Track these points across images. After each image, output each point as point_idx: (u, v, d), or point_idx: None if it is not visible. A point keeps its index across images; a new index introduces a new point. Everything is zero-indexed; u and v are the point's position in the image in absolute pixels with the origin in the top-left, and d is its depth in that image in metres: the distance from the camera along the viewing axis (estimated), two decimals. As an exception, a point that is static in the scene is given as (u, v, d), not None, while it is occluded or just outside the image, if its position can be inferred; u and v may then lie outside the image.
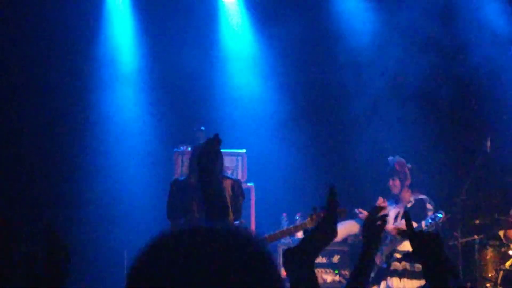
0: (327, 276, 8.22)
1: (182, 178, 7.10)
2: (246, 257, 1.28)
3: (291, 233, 6.75)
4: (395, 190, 7.94)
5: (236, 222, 6.61)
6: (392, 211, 7.98)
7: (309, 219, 6.45)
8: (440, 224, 7.53)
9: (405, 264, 7.71)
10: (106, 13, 9.64)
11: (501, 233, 8.05)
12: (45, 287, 3.10)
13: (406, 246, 7.74)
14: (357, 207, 8.07)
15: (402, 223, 7.78)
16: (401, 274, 7.66)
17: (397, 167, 7.90)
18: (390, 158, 8.01)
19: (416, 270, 7.70)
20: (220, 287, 1.24)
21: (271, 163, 9.28)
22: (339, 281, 8.21)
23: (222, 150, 8.58)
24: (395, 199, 8.00)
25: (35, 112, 9.15)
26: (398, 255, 7.76)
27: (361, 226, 8.24)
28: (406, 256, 7.74)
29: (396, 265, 7.71)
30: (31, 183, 9.06)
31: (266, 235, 6.55)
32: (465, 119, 9.09)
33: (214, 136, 2.56)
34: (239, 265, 1.26)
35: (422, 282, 7.66)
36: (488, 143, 8.02)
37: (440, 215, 7.47)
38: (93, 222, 9.04)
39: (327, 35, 9.43)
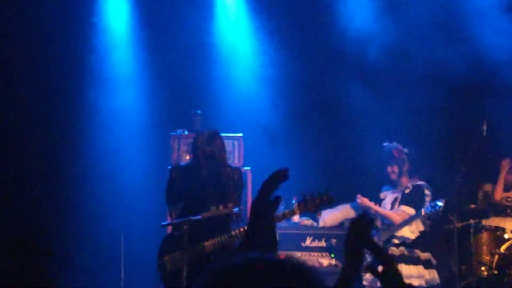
0: (323, 260, 8.25)
1: (183, 164, 7.11)
2: None
3: (279, 220, 6.71)
4: (393, 176, 7.92)
5: (235, 209, 6.61)
6: (389, 197, 7.99)
7: (296, 205, 6.45)
8: (440, 213, 7.55)
9: (403, 250, 7.73)
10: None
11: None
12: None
13: (403, 231, 7.76)
14: (354, 192, 8.09)
15: (399, 209, 7.79)
16: (399, 260, 7.68)
17: (395, 153, 7.88)
18: (386, 144, 7.99)
19: (414, 256, 7.72)
20: None
21: (267, 146, 9.28)
22: (336, 265, 8.24)
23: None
24: (393, 185, 8.00)
25: (32, 104, 9.14)
26: (396, 241, 7.77)
27: (356, 211, 8.30)
28: (403, 242, 7.77)
29: (394, 251, 7.73)
30: (28, 170, 9.07)
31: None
32: (461, 103, 9.10)
33: (282, 170, 2.38)
34: None
35: (419, 268, 7.69)
36: (485, 127, 8.02)
37: (440, 204, 7.48)
38: (90, 206, 9.05)
39: (326, 19, 9.42)
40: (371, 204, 7.90)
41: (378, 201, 8.04)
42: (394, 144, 7.95)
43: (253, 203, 2.30)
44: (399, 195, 7.89)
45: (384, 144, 7.99)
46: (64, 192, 9.07)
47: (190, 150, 7.07)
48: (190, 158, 8.45)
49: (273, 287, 1.28)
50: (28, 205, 8.89)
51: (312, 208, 6.40)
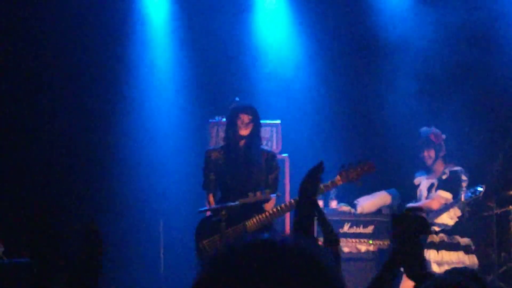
0: (361, 246, 8.26)
1: (217, 147, 7.12)
2: (312, 277, 1.28)
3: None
4: (429, 162, 7.88)
5: (273, 195, 6.67)
6: (424, 183, 7.97)
7: (338, 176, 6.38)
8: (480, 198, 7.51)
9: (443, 236, 7.71)
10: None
11: None
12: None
13: (443, 218, 7.74)
14: (391, 179, 8.08)
15: (436, 194, 7.77)
16: (439, 247, 7.66)
17: (433, 138, 7.84)
18: (424, 128, 7.95)
19: (454, 242, 7.69)
20: None
21: (306, 133, 9.29)
22: (373, 252, 8.25)
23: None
24: (427, 171, 7.97)
25: (67, 85, 9.24)
26: (436, 228, 7.75)
27: (393, 197, 8.29)
28: (443, 229, 7.74)
29: (433, 238, 7.71)
30: (70, 158, 9.18)
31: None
32: (502, 88, 9.01)
33: (319, 164, 2.43)
34: (304, 284, 1.27)
35: (460, 254, 7.66)
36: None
37: (480, 189, 7.44)
38: (128, 192, 9.14)
39: (365, 14, 9.42)
40: (418, 206, 7.87)
41: (413, 187, 8.02)
42: (432, 128, 7.91)
43: (298, 198, 2.33)
44: (435, 181, 7.86)
45: (422, 129, 7.94)
46: (104, 180, 9.18)
47: (224, 134, 7.06)
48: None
49: (275, 270, 1.27)
50: (71, 192, 9.02)
51: (354, 176, 6.38)
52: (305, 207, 2.37)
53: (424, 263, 2.50)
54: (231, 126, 6.85)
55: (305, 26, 9.59)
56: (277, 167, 7.01)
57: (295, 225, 2.39)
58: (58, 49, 9.18)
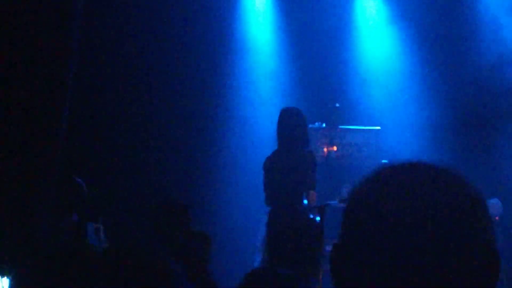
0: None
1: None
2: (465, 200, 1.19)
3: None
4: None
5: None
6: None
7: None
8: None
9: None
10: (243, 4, 9.79)
11: None
12: None
13: None
14: (492, 187, 7.90)
15: None
16: None
17: None
18: None
19: None
20: (435, 227, 1.16)
21: (405, 140, 9.22)
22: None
23: (356, 127, 8.66)
24: None
25: (174, 102, 9.39)
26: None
27: (494, 207, 8.01)
28: None
29: None
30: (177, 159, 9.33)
31: None
32: None
33: None
34: (457, 207, 1.18)
35: None
36: None
37: None
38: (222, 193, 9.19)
39: (472, 28, 9.33)
40: None
41: None
42: None
43: None
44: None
45: None
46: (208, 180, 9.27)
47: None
48: (329, 150, 8.55)
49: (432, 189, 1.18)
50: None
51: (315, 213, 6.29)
52: None
53: None
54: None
55: (409, 36, 9.52)
56: (312, 166, 6.67)
57: None
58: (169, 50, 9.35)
